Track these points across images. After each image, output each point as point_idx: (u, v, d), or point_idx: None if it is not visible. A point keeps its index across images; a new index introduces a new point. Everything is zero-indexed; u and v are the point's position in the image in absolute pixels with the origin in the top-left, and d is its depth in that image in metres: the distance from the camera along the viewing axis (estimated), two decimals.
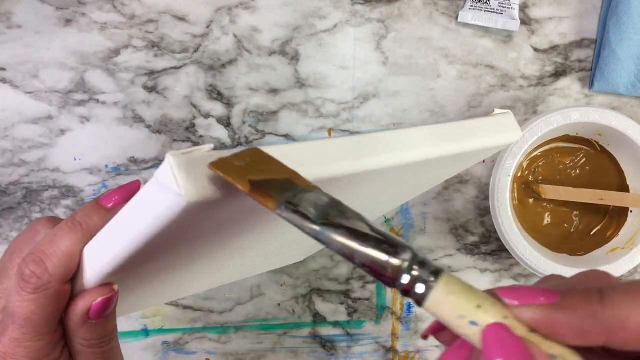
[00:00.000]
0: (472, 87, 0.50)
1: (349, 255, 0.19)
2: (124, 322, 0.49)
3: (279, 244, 0.37)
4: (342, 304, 0.51)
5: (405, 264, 0.19)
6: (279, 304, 0.50)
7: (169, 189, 0.19)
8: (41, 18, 0.49)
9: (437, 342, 0.51)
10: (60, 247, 0.25)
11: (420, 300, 0.19)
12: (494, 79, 0.50)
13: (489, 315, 0.18)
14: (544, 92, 0.50)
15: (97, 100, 0.49)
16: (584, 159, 0.49)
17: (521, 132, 0.32)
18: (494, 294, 0.19)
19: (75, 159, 0.49)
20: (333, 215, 0.19)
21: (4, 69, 0.49)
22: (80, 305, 0.26)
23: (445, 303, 0.19)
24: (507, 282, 0.50)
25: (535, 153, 0.49)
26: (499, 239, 0.50)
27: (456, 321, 0.19)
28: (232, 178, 0.20)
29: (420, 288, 0.19)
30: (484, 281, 0.50)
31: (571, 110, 0.45)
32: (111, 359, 0.28)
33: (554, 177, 0.49)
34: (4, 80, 0.49)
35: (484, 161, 0.50)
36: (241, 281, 0.50)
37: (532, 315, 0.19)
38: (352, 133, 0.50)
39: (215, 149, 0.21)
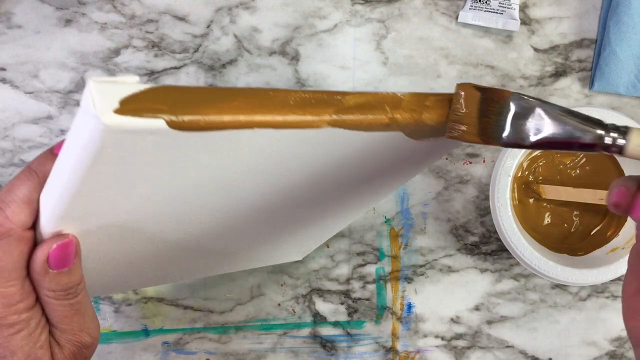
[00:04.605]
0: None
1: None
2: (124, 322, 0.49)
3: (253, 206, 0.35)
4: (342, 304, 0.51)
5: (603, 131, 0.27)
6: (279, 304, 0.50)
7: (88, 113, 0.20)
8: (41, 18, 0.49)
9: (437, 343, 0.51)
10: (18, 194, 0.26)
11: (620, 152, 0.27)
12: (494, 79, 0.50)
13: None
14: (544, 92, 0.50)
15: None
16: (584, 159, 0.49)
17: None
18: None
19: None
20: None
21: (4, 69, 0.49)
22: (39, 254, 0.27)
23: (638, 148, 0.26)
24: (507, 282, 0.51)
25: (535, 153, 0.49)
26: (499, 239, 0.50)
27: None
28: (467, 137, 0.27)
29: (617, 144, 0.27)
30: (484, 281, 0.50)
31: None
32: (80, 313, 0.29)
33: (554, 177, 0.49)
34: (4, 80, 0.49)
35: (483, 161, 0.50)
36: (241, 281, 0.50)
37: None
38: None
39: (140, 81, 0.21)
